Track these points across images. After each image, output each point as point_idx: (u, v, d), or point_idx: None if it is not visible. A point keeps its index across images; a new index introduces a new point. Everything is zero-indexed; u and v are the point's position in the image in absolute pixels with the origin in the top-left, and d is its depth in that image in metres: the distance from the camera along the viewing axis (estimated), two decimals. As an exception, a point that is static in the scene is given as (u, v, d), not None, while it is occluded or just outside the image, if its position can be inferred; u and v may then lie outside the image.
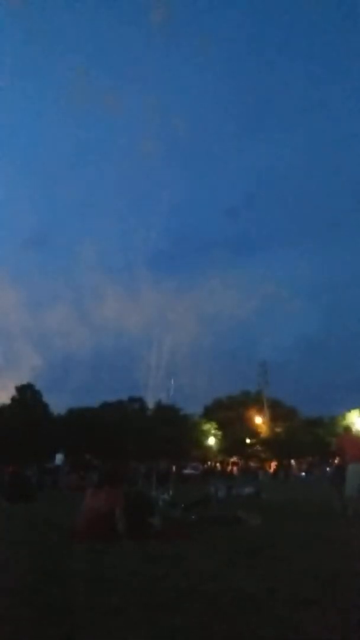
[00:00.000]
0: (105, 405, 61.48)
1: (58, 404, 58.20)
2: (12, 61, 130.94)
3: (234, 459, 55.76)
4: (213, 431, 59.15)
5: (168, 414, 57.63)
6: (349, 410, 59.23)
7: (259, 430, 60.82)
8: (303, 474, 41.51)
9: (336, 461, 27.36)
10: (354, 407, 58.46)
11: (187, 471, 38.30)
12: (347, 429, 17.48)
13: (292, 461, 49.14)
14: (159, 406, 61.72)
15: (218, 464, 52.06)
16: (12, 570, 5.72)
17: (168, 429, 51.55)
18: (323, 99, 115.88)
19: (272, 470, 47.53)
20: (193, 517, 10.79)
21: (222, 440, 58.88)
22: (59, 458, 29.61)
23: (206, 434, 58.91)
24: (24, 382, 58.56)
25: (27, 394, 56.74)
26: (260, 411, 62.62)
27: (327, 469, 35.44)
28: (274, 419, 61.55)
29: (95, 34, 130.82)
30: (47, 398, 57.12)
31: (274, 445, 56.50)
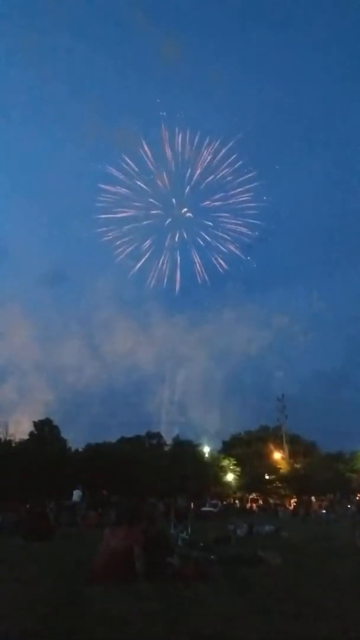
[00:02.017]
0: (123, 440, 61.10)
1: (73, 439, 57.96)
2: (29, 102, 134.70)
3: (253, 495, 54.78)
4: (232, 467, 58.31)
5: (186, 450, 57.06)
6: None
7: (278, 466, 59.79)
8: (324, 511, 40.61)
9: (357, 498, 26.85)
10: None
11: (205, 508, 37.72)
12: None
13: (313, 498, 48.13)
14: (177, 442, 61.19)
15: (237, 501, 51.16)
16: (28, 612, 5.70)
17: (186, 465, 50.98)
18: (331, 132, 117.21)
19: (291, 507, 46.58)
20: (212, 556, 10.66)
21: (240, 477, 57.95)
22: (76, 494, 29.40)
23: (225, 470, 58.07)
24: (38, 417, 58.49)
25: (45, 429, 56.65)
26: (279, 446, 61.69)
27: (349, 506, 34.68)
28: (293, 455, 60.54)
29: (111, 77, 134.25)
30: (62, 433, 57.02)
31: (293, 482, 55.43)
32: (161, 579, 7.58)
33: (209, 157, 64.87)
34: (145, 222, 66.94)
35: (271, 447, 61.50)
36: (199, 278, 65.53)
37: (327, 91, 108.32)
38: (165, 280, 65.41)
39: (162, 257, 67.02)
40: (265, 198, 71.75)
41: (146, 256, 69.79)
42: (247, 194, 68.49)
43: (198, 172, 65.96)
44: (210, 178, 66.65)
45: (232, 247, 68.09)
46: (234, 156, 63.55)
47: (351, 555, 11.46)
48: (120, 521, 8.70)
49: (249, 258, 66.45)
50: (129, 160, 66.75)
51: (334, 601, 6.15)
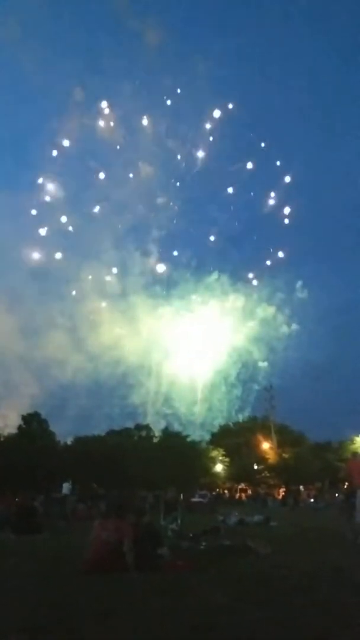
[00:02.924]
0: (112, 433, 61.16)
1: (59, 432, 57.85)
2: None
3: (242, 485, 55.14)
4: (220, 458, 58.60)
5: (175, 442, 57.24)
6: (357, 434, 58.68)
7: (267, 456, 60.19)
8: (312, 500, 40.97)
9: (345, 487, 27.06)
10: (362, 431, 57.99)
11: (195, 499, 37.86)
12: (355, 454, 17.28)
13: (301, 487, 48.56)
14: (166, 433, 61.36)
15: (226, 491, 51.47)
16: (19, 605, 5.69)
17: (175, 457, 51.14)
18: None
19: (280, 497, 46.94)
20: (202, 547, 10.70)
21: (229, 467, 58.26)
22: (66, 487, 29.40)
23: (214, 461, 58.35)
24: (24, 411, 58.16)
25: (33, 423, 56.45)
26: (267, 437, 62.06)
27: (337, 495, 34.97)
28: (281, 445, 60.94)
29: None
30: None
31: (282, 471, 55.85)
32: (151, 570, 7.59)
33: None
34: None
35: (260, 437, 61.86)
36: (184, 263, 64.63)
37: (323, 81, 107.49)
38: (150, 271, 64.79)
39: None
40: (252, 193, 71.33)
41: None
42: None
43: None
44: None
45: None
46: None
47: (337, 544, 11.56)
48: (109, 513, 8.68)
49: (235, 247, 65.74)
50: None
51: (324, 590, 6.19)
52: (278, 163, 57.87)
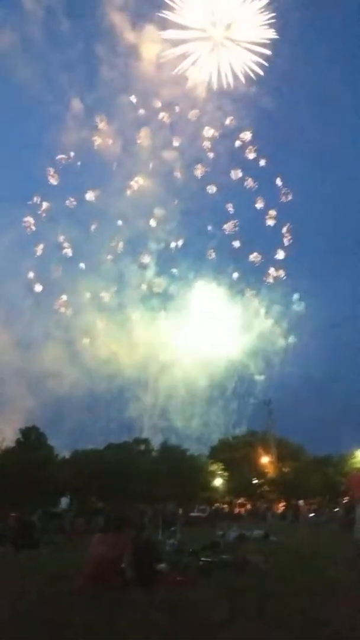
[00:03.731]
0: (111, 447, 60.84)
1: (56, 446, 57.60)
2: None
3: (241, 500, 54.76)
4: (220, 472, 58.26)
5: (174, 456, 56.97)
6: (357, 448, 58.39)
7: (266, 470, 59.88)
8: (311, 514, 40.73)
9: (344, 501, 26.94)
10: (362, 445, 57.72)
11: (194, 514, 37.63)
12: (358, 469, 17.16)
13: (301, 502, 48.24)
14: (165, 447, 61.07)
15: (226, 506, 51.10)
16: (17, 622, 5.64)
17: (174, 471, 50.89)
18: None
19: (280, 511, 46.63)
20: (201, 562, 10.62)
21: (229, 481, 57.92)
22: (64, 502, 29.26)
23: (213, 475, 58.01)
24: (20, 425, 57.83)
25: (31, 437, 56.20)
26: (267, 451, 61.78)
27: (336, 509, 34.75)
28: (281, 459, 60.64)
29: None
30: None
31: (281, 486, 55.53)
32: (150, 586, 7.54)
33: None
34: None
35: (259, 451, 61.57)
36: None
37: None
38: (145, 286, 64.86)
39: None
40: (250, 208, 71.50)
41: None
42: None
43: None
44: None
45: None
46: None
47: (337, 559, 11.47)
48: (108, 528, 8.63)
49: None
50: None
51: (324, 607, 6.15)
52: (278, 182, 58.03)
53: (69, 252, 57.93)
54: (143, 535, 9.63)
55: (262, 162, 57.04)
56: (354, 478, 13.96)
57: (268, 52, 51.57)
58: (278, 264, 59.98)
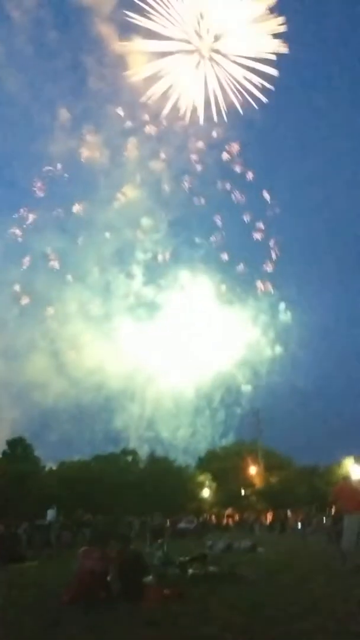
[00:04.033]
0: (98, 458, 60.42)
1: (43, 457, 57.15)
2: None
3: (229, 511, 54.55)
4: (207, 483, 58.09)
5: (162, 467, 56.76)
6: (345, 457, 58.52)
7: (254, 480, 59.80)
8: (299, 525, 40.66)
9: (333, 512, 26.90)
10: (349, 455, 57.82)
11: (181, 525, 37.41)
12: (345, 479, 17.15)
13: (289, 512, 48.16)
14: (152, 459, 60.81)
15: (213, 517, 50.88)
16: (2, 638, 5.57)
17: (162, 482, 50.68)
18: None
19: (268, 522, 46.51)
20: (189, 574, 10.56)
21: (217, 492, 57.75)
22: (50, 514, 28.89)
23: (201, 486, 57.81)
24: (5, 436, 57.25)
25: (18, 448, 55.74)
26: (255, 461, 61.71)
27: (324, 519, 34.72)
28: (268, 469, 60.58)
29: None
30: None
31: (269, 496, 55.43)
32: (138, 599, 7.47)
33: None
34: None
35: (247, 461, 61.48)
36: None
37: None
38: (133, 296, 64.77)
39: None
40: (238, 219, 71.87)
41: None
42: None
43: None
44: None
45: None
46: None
47: (325, 570, 11.45)
48: (95, 541, 8.56)
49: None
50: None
51: (311, 619, 6.13)
52: (266, 194, 58.36)
53: (56, 264, 57.83)
54: (130, 548, 9.54)
55: (250, 176, 57.40)
56: (341, 488, 13.92)
57: (263, 66, 49.46)
58: (265, 277, 60.47)
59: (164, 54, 51.21)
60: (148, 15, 47.32)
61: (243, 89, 50.61)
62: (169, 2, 47.50)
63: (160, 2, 46.94)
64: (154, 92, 51.70)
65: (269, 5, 47.21)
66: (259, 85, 49.75)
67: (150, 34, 49.25)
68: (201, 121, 53.47)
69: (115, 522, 30.29)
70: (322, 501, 46.04)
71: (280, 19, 47.15)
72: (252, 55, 49.53)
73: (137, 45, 51.54)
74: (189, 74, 52.40)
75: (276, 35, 48.36)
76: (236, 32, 50.36)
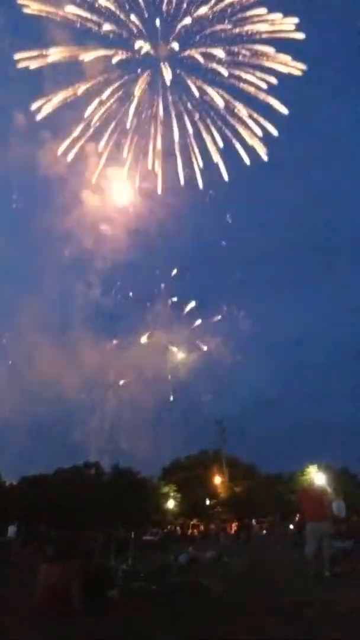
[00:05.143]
0: (60, 472, 59.51)
1: (3, 472, 55.87)
2: None
3: (194, 521, 54.43)
4: (172, 494, 57.87)
5: (126, 479, 56.31)
6: (307, 465, 59.20)
7: (219, 490, 59.85)
8: (264, 533, 40.84)
9: (297, 518, 27.14)
10: (312, 462, 58.56)
11: (146, 537, 37.06)
12: (307, 486, 17.29)
13: (253, 521, 48.35)
14: (116, 471, 60.24)
15: (178, 528, 50.66)
16: None
17: (126, 494, 50.24)
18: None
19: (233, 531, 46.57)
20: (154, 587, 10.42)
21: (181, 503, 57.58)
22: (11, 530, 28.26)
23: (165, 497, 57.56)
24: None
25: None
26: (219, 470, 61.80)
27: (290, 526, 34.94)
28: (232, 478, 60.74)
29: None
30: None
31: (234, 505, 55.56)
32: (101, 614, 7.32)
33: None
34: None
35: (211, 471, 61.51)
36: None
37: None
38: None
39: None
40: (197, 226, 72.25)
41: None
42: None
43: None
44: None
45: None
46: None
47: (292, 578, 11.49)
48: (57, 556, 8.35)
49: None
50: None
51: (277, 628, 6.11)
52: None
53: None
54: (93, 562, 9.37)
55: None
56: (304, 494, 14.05)
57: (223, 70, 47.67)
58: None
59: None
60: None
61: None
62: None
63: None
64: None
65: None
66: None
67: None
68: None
69: (78, 536, 29.75)
70: (286, 509, 46.48)
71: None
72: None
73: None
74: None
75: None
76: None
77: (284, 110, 48.74)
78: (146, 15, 45.79)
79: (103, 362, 62.64)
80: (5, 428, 65.70)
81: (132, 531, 33.55)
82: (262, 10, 45.39)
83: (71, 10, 45.15)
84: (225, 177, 52.61)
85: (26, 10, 44.98)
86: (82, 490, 51.21)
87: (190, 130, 50.88)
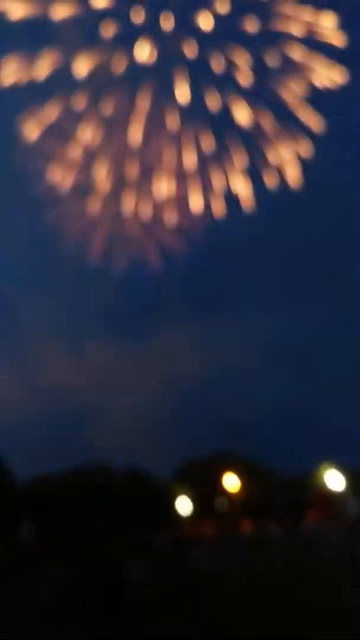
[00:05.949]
0: (73, 472, 59.39)
1: (16, 471, 55.87)
2: None
3: (208, 522, 54.02)
4: (185, 495, 57.44)
5: (138, 479, 56.04)
6: (324, 467, 58.55)
7: (232, 491, 59.36)
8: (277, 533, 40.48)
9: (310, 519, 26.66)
10: (328, 464, 57.96)
11: (159, 539, 36.76)
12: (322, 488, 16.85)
13: (269, 521, 47.93)
14: (129, 472, 59.99)
15: (192, 529, 50.29)
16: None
17: (138, 495, 50.00)
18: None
19: (248, 531, 46.18)
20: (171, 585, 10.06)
21: (194, 504, 57.12)
22: (24, 528, 28.16)
23: (177, 497, 57.18)
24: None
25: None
26: (232, 472, 61.29)
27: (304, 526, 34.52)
28: (246, 479, 60.22)
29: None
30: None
31: (247, 507, 55.04)
32: (117, 613, 7.01)
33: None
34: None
35: (224, 473, 60.98)
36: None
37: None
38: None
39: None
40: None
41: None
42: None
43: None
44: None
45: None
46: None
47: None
48: (72, 556, 8.07)
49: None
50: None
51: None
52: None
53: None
54: (109, 563, 9.06)
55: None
56: (319, 496, 13.68)
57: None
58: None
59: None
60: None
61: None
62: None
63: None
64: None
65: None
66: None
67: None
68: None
69: (93, 537, 29.63)
70: (301, 510, 46.04)
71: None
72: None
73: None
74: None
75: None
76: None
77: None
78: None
79: (114, 364, 62.60)
80: (18, 428, 65.97)
81: (145, 532, 33.41)
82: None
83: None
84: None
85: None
86: (95, 490, 51.04)
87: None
